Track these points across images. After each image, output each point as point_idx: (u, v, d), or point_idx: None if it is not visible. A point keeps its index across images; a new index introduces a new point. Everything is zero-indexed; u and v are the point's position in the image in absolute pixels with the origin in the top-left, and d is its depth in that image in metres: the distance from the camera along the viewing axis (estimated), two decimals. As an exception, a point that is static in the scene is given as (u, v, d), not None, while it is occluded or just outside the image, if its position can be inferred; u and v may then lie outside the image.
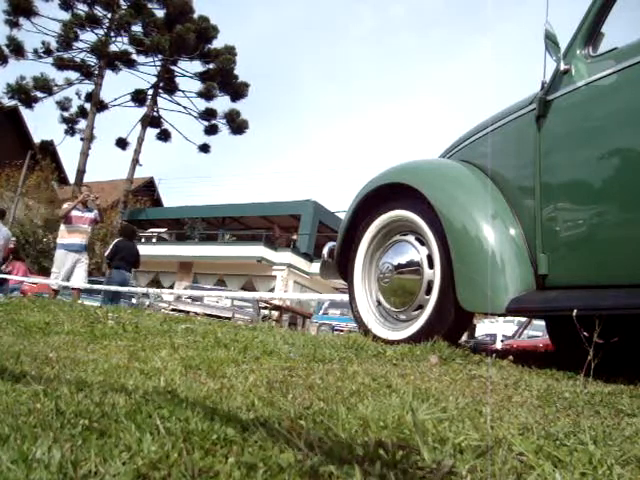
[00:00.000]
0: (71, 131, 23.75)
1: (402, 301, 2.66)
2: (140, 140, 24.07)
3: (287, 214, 23.53)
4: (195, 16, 23.86)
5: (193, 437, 0.90)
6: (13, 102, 23.10)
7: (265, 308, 13.91)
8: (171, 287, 20.50)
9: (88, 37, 28.34)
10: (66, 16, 22.74)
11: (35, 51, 22.48)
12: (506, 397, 1.53)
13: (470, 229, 2.33)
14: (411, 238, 2.68)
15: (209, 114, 24.83)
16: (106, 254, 7.92)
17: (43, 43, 22.54)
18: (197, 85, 25.65)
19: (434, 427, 1.02)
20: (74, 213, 7.16)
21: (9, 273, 8.80)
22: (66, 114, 23.51)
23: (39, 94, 22.60)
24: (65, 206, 7.39)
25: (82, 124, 23.54)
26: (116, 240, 8.27)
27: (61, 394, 1.16)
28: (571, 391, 1.63)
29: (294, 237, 22.99)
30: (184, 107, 25.11)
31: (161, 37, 22.54)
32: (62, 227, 7.22)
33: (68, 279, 7.01)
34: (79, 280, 7.06)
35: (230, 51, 24.47)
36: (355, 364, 1.95)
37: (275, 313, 14.13)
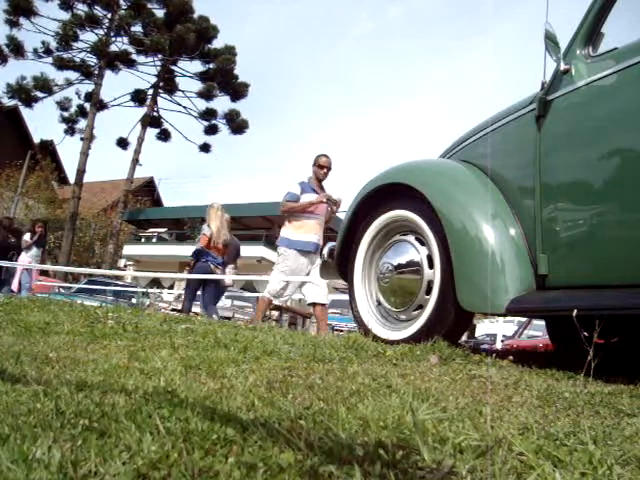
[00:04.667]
0: (71, 131, 23.66)
1: (402, 301, 2.66)
2: (140, 140, 24.00)
3: (287, 214, 23.47)
4: (195, 16, 23.82)
5: (193, 437, 0.90)
6: (13, 102, 23.06)
7: (265, 308, 13.88)
8: (171, 287, 20.47)
9: (88, 37, 28.35)
10: (66, 16, 22.72)
11: (35, 51, 22.40)
12: (506, 397, 1.53)
13: (470, 229, 2.33)
14: (411, 238, 2.68)
15: (209, 114, 24.79)
16: None
17: (43, 43, 22.48)
18: (197, 85, 25.61)
19: (434, 427, 1.02)
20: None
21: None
22: (66, 114, 23.42)
23: (39, 94, 22.50)
24: (293, 193, 4.70)
25: (82, 124, 23.46)
26: None
27: (61, 394, 1.16)
28: (571, 391, 1.63)
29: (294, 237, 22.90)
30: (184, 107, 25.05)
31: (161, 37, 22.49)
32: (289, 219, 4.78)
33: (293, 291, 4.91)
34: (316, 290, 4.70)
35: (230, 51, 24.43)
36: (355, 364, 1.95)
37: (275, 313, 14.12)
